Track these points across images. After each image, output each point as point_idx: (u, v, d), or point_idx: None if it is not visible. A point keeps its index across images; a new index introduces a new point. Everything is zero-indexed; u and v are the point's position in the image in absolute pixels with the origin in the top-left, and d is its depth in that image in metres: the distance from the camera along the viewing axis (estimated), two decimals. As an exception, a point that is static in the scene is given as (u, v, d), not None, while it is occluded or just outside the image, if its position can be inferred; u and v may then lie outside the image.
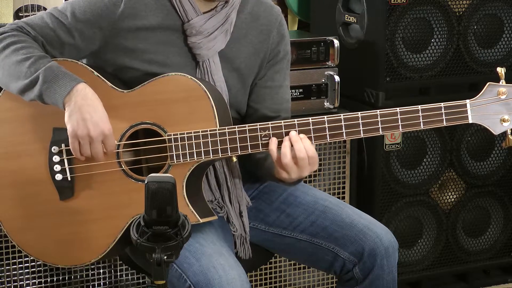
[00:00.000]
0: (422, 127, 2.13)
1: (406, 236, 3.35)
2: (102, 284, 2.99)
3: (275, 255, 2.66)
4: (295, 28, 3.79)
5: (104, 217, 2.20)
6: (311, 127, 2.13)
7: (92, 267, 2.95)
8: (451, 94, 3.13)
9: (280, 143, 2.14)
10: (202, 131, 2.14)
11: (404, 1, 3.14)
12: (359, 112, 2.13)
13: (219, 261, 2.10)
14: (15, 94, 2.15)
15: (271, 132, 2.14)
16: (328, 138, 2.15)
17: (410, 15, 3.17)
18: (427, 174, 3.34)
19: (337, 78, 3.12)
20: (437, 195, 3.39)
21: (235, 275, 2.08)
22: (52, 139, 2.19)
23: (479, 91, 2.13)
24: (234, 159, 2.19)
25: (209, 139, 2.14)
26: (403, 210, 3.33)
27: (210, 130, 2.14)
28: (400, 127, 2.13)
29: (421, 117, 2.13)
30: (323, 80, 3.14)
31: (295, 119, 2.14)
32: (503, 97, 2.11)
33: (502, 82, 2.12)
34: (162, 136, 2.16)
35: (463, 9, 3.24)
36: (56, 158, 2.20)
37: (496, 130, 2.12)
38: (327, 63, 3.14)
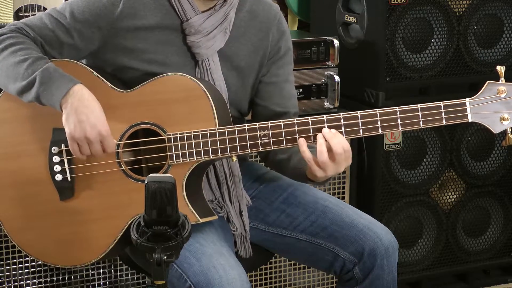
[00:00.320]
0: (421, 126, 2.13)
1: (406, 236, 3.35)
2: (102, 284, 2.99)
3: (275, 255, 2.66)
4: (295, 28, 3.79)
5: (104, 217, 2.20)
6: (310, 126, 2.13)
7: (92, 267, 2.95)
8: (451, 94, 3.12)
9: (286, 144, 2.14)
10: (201, 131, 2.14)
11: (404, 1, 3.14)
12: (358, 111, 2.13)
13: (219, 261, 2.10)
14: (14, 95, 2.15)
15: (270, 131, 2.14)
16: (328, 137, 2.15)
17: (410, 15, 3.17)
18: (427, 174, 3.34)
19: (337, 78, 3.12)
20: (437, 195, 3.39)
21: (235, 275, 2.08)
22: (52, 140, 2.19)
23: (479, 91, 2.13)
24: (234, 158, 2.20)
25: (209, 139, 2.14)
26: (403, 210, 3.33)
27: (209, 130, 2.14)
28: (399, 126, 2.13)
29: (420, 116, 2.12)
30: (323, 80, 3.14)
31: (295, 119, 2.14)
32: (502, 95, 2.11)
33: (502, 80, 2.12)
34: (162, 136, 2.16)
35: (463, 9, 3.24)
36: (56, 159, 2.20)
37: (496, 128, 2.12)
38: (327, 63, 3.14)
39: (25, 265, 2.86)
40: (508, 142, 2.13)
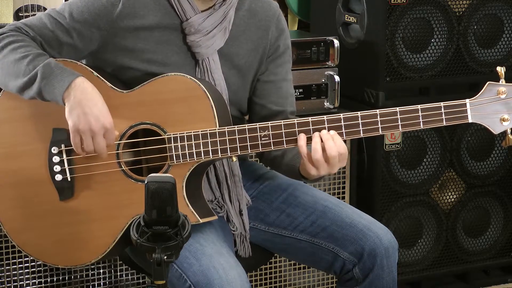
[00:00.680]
0: (421, 126, 2.13)
1: (406, 236, 3.35)
2: (102, 284, 2.99)
3: (275, 255, 2.66)
4: (295, 28, 3.79)
5: (104, 217, 2.20)
6: (311, 127, 2.13)
7: (92, 267, 2.95)
8: (451, 94, 3.13)
9: (286, 144, 2.14)
10: (201, 131, 2.14)
11: (404, 1, 3.14)
12: (358, 112, 2.13)
13: (219, 261, 2.10)
14: (14, 93, 2.15)
15: (271, 132, 2.14)
16: (328, 137, 2.15)
17: (410, 15, 3.17)
18: (427, 174, 3.34)
19: (337, 78, 3.12)
20: (437, 195, 3.39)
21: (235, 275, 2.08)
22: (52, 140, 2.19)
23: (479, 91, 2.13)
24: (234, 158, 2.19)
25: (209, 139, 2.14)
26: (403, 210, 3.33)
27: (209, 130, 2.14)
28: (399, 126, 2.13)
29: (420, 117, 2.12)
30: (323, 80, 3.14)
31: (295, 119, 2.14)
32: (502, 96, 2.10)
33: (502, 81, 2.11)
34: (162, 136, 2.16)
35: (463, 9, 3.24)
36: (56, 159, 2.20)
37: (496, 129, 2.12)
38: (327, 63, 3.14)
39: (25, 265, 2.86)
40: (508, 143, 2.13)
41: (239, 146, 2.15)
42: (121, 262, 2.93)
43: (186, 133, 2.14)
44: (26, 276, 2.87)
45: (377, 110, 2.13)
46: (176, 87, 2.16)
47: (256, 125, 2.15)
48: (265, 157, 2.38)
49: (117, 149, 2.17)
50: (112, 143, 2.13)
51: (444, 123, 2.12)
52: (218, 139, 2.14)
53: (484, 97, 2.12)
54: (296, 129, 2.14)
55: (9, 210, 2.23)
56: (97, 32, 2.20)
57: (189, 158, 2.15)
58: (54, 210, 2.21)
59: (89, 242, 2.21)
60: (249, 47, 2.33)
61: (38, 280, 2.89)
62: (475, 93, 2.13)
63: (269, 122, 2.15)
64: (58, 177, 2.20)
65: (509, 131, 2.13)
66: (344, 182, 3.21)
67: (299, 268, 3.22)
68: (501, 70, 2.12)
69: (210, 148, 2.14)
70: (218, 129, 2.14)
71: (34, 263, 2.87)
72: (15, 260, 2.85)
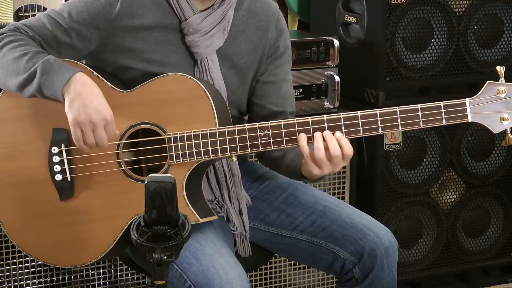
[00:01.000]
0: (421, 126, 2.13)
1: (406, 236, 3.35)
2: (102, 284, 2.99)
3: (275, 255, 2.66)
4: (295, 28, 3.79)
5: (104, 217, 2.20)
6: (310, 126, 2.13)
7: (92, 267, 2.95)
8: (451, 94, 3.13)
9: (286, 144, 2.14)
10: (201, 131, 2.14)
11: (404, 1, 3.14)
12: (358, 112, 2.13)
13: (219, 261, 2.10)
14: (14, 91, 2.15)
15: (270, 132, 2.14)
16: (328, 137, 2.15)
17: (410, 15, 3.17)
18: (427, 174, 3.34)
19: (337, 78, 3.12)
20: (437, 195, 3.39)
21: (235, 275, 2.08)
22: (52, 139, 2.19)
23: (479, 91, 2.13)
24: (234, 158, 2.19)
25: (209, 139, 2.14)
26: (403, 210, 3.33)
27: (209, 130, 2.14)
28: (399, 126, 2.13)
29: (420, 116, 2.12)
30: (323, 80, 3.14)
31: (295, 119, 2.14)
32: (502, 95, 2.10)
33: (502, 80, 2.11)
34: (162, 136, 2.16)
35: (463, 9, 3.24)
36: (56, 159, 2.20)
37: (496, 129, 2.12)
38: (327, 63, 3.14)
39: (25, 265, 2.86)
40: (508, 142, 2.13)
41: (239, 146, 2.15)
42: (121, 262, 2.93)
43: (186, 133, 2.14)
44: (26, 276, 2.88)
45: (377, 110, 2.13)
46: (176, 87, 2.16)
47: (256, 125, 2.15)
48: (265, 158, 2.38)
49: (117, 149, 2.17)
50: (112, 136, 2.12)
51: (444, 123, 2.12)
52: (218, 139, 2.14)
53: (484, 97, 2.12)
54: (296, 128, 2.13)
55: (9, 210, 2.23)
56: (96, 32, 2.20)
57: (189, 158, 2.15)
58: (54, 210, 2.21)
59: (89, 242, 2.21)
60: (248, 47, 2.33)
61: (38, 280, 2.89)
62: (475, 93, 2.13)
63: (269, 122, 2.15)
64: (58, 177, 2.20)
65: (509, 130, 2.13)
66: (344, 182, 3.21)
67: (299, 268, 3.22)
68: (500, 69, 2.11)
69: (210, 148, 2.14)
70: (218, 129, 2.14)
71: (34, 263, 2.87)
72: (15, 260, 2.85)
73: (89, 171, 2.19)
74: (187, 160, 2.15)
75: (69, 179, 2.20)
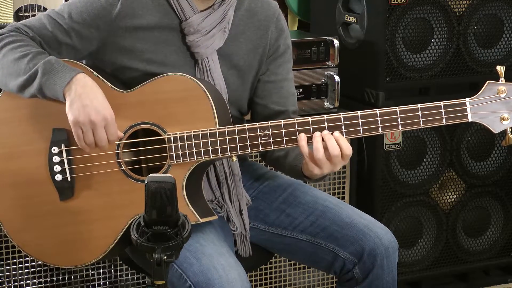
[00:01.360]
0: (421, 126, 2.13)
1: (406, 236, 3.35)
2: (102, 284, 2.99)
3: (275, 255, 2.66)
4: (295, 28, 3.79)
5: (104, 217, 2.20)
6: (310, 126, 2.13)
7: (92, 267, 2.95)
8: (451, 94, 3.12)
9: (286, 144, 2.14)
10: (201, 131, 2.14)
11: (404, 1, 3.14)
12: (358, 111, 2.13)
13: (219, 261, 2.10)
14: (14, 92, 2.15)
15: (270, 131, 2.14)
16: (328, 137, 2.15)
17: (410, 15, 3.17)
18: (427, 174, 3.34)
19: (337, 78, 3.12)
20: (437, 195, 3.39)
21: (235, 275, 2.08)
22: (52, 140, 2.19)
23: (479, 91, 2.13)
24: (234, 158, 2.19)
25: (209, 139, 2.14)
26: (403, 210, 3.33)
27: (209, 130, 2.14)
28: (399, 126, 2.13)
29: (420, 116, 2.12)
30: (323, 80, 3.14)
31: (295, 119, 2.14)
32: (502, 95, 2.10)
33: (502, 80, 2.11)
34: (162, 136, 2.16)
35: (463, 9, 3.24)
36: (56, 159, 2.20)
37: (496, 128, 2.12)
38: (327, 63, 3.14)
39: (25, 265, 2.86)
40: (508, 142, 2.13)
41: (239, 145, 2.15)
42: (121, 262, 2.93)
43: (186, 133, 2.14)
44: (26, 276, 2.88)
45: (377, 110, 2.13)
46: (176, 87, 2.16)
47: (256, 124, 2.15)
48: (268, 157, 2.39)
49: (117, 149, 2.17)
50: (113, 137, 2.12)
51: (444, 122, 2.12)
52: (218, 138, 2.14)
53: (484, 96, 2.12)
54: (296, 128, 2.13)
55: (9, 210, 2.23)
56: (96, 32, 2.20)
57: (189, 158, 2.15)
58: (54, 210, 2.21)
59: (89, 242, 2.21)
60: (249, 47, 2.33)
61: (38, 280, 2.89)
62: (475, 93, 2.13)
63: (269, 122, 2.15)
64: (58, 177, 2.20)
65: (509, 130, 2.13)
66: (344, 182, 3.21)
67: (299, 268, 3.22)
68: (500, 69, 2.11)
69: (210, 148, 2.14)
70: (218, 129, 2.14)
71: (34, 263, 2.87)
72: (15, 260, 2.85)
73: (89, 171, 2.19)
74: (187, 160, 2.15)
75: (69, 179, 2.20)
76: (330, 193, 3.10)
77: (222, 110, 2.19)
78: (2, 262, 2.83)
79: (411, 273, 3.39)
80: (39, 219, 2.22)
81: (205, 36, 2.23)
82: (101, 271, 2.98)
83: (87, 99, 2.07)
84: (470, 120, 2.11)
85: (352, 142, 3.15)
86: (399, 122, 2.12)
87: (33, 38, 2.19)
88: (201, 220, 2.15)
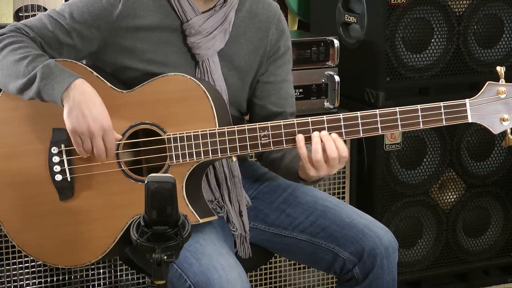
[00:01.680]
0: (421, 126, 2.13)
1: (406, 236, 3.35)
2: (102, 284, 2.99)
3: (275, 255, 2.66)
4: (295, 28, 3.79)
5: (104, 217, 2.20)
6: (310, 127, 2.13)
7: (92, 267, 2.95)
8: (451, 94, 3.12)
9: (286, 144, 2.14)
10: (201, 131, 2.14)
11: (404, 1, 3.14)
12: (358, 112, 2.13)
13: (219, 261, 2.10)
14: (14, 94, 2.15)
15: (270, 132, 2.14)
16: (327, 137, 2.15)
17: (410, 15, 3.17)
18: (427, 174, 3.34)
19: (337, 78, 3.12)
20: (437, 195, 3.39)
21: (235, 275, 2.08)
22: (52, 140, 2.19)
23: (479, 91, 2.13)
24: (234, 159, 2.19)
25: (208, 139, 2.14)
26: (403, 210, 3.33)
27: (209, 130, 2.14)
28: (399, 126, 2.13)
29: (420, 117, 2.12)
30: (323, 80, 3.14)
31: (295, 119, 2.14)
32: (502, 96, 2.10)
33: (502, 81, 2.11)
34: (162, 136, 2.16)
35: (463, 9, 3.24)
36: (55, 159, 2.20)
37: (496, 129, 2.12)
38: (327, 63, 3.14)
39: (25, 265, 2.86)
40: (508, 142, 2.13)
41: (239, 146, 2.15)
42: (121, 262, 2.93)
43: (186, 133, 2.14)
44: (26, 276, 2.88)
45: (377, 110, 2.13)
46: (176, 87, 2.16)
47: (256, 125, 2.15)
48: (264, 159, 2.38)
49: (117, 149, 2.17)
50: (111, 145, 2.12)
51: (444, 123, 2.12)
52: (217, 139, 2.14)
53: (484, 97, 2.12)
54: (296, 129, 2.13)
55: (9, 210, 2.23)
56: (97, 32, 2.20)
57: (188, 158, 2.15)
58: (54, 210, 2.21)
59: (89, 242, 2.21)
60: (249, 48, 2.33)
61: (38, 280, 2.89)
62: (475, 93, 2.13)
63: (269, 122, 2.15)
64: (58, 177, 2.20)
65: (509, 131, 2.13)
66: (344, 182, 3.21)
67: (299, 268, 3.22)
68: (501, 69, 2.11)
69: (209, 148, 2.14)
70: (217, 129, 2.14)
71: (34, 263, 2.87)
72: (15, 260, 2.85)
73: (89, 171, 2.19)
74: (186, 160, 2.15)
75: (69, 179, 2.20)
76: (330, 193, 3.11)
77: (222, 110, 2.19)
78: (2, 262, 2.83)
79: (411, 273, 3.39)
80: (39, 219, 2.22)
81: (206, 38, 2.23)
82: (101, 271, 2.98)
83: (86, 108, 2.07)
84: (470, 121, 2.11)
85: (352, 142, 3.19)
86: (399, 123, 2.12)
87: (33, 38, 2.19)
88: (201, 221, 2.15)
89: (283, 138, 2.14)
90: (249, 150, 2.15)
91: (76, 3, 2.21)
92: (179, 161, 2.15)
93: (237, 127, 2.14)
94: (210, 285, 2.06)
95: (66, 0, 2.29)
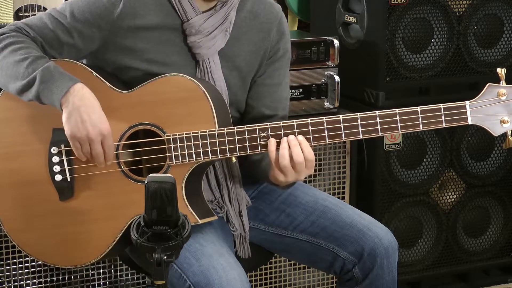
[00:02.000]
0: (421, 128, 2.13)
1: (406, 236, 3.35)
2: (102, 284, 2.99)
3: (275, 255, 2.66)
4: (295, 28, 3.79)
5: (104, 217, 2.20)
6: (309, 128, 2.13)
7: (92, 267, 2.95)
8: (451, 94, 3.13)
9: (278, 144, 2.14)
10: (201, 132, 2.14)
11: (404, 1, 3.14)
12: (358, 114, 2.13)
13: (219, 261, 2.10)
14: (14, 94, 2.15)
15: (269, 133, 2.14)
16: (327, 139, 2.15)
17: (410, 15, 3.17)
18: (427, 174, 3.34)
19: (337, 78, 3.12)
20: (437, 195, 3.39)
21: (235, 275, 2.08)
22: (52, 140, 2.19)
23: (479, 91, 2.13)
24: (234, 159, 2.19)
25: (208, 140, 2.14)
26: (403, 210, 3.33)
27: (209, 131, 2.14)
28: (399, 128, 2.13)
29: (420, 119, 2.12)
30: (323, 80, 3.14)
31: (294, 120, 2.14)
32: (503, 98, 2.10)
33: (502, 83, 2.11)
34: (161, 137, 2.16)
35: (463, 9, 3.24)
36: (55, 159, 2.20)
37: (496, 131, 2.12)
38: (327, 63, 3.14)
39: (25, 265, 2.86)
40: (508, 145, 2.13)
41: (238, 147, 2.15)
42: (121, 262, 2.93)
43: (186, 134, 2.14)
44: (26, 276, 2.88)
45: (377, 112, 2.13)
46: (176, 88, 2.16)
47: (255, 126, 2.14)
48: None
49: (117, 150, 2.17)
50: (110, 150, 2.13)
51: (444, 125, 2.12)
52: (217, 140, 2.14)
53: (484, 99, 2.11)
54: (295, 130, 2.13)
55: (9, 210, 2.24)
56: (97, 32, 2.20)
57: (188, 159, 2.15)
58: (54, 210, 2.21)
59: (89, 242, 2.21)
60: (250, 49, 2.33)
61: (38, 280, 2.89)
62: (475, 93, 2.13)
63: (268, 124, 2.15)
64: (58, 177, 2.20)
65: (509, 133, 2.13)
66: (344, 182, 3.21)
67: (299, 268, 3.22)
68: (501, 71, 2.11)
69: (209, 149, 2.14)
70: (217, 130, 2.14)
71: (34, 263, 2.87)
72: (15, 260, 2.85)
73: (88, 172, 2.19)
74: (186, 161, 2.15)
75: (68, 179, 2.20)
76: (330, 193, 3.11)
77: (222, 111, 2.19)
78: (2, 262, 2.83)
79: (411, 273, 3.39)
80: (39, 219, 2.22)
81: (207, 37, 2.23)
82: (101, 271, 2.98)
83: (85, 113, 2.07)
84: (470, 123, 2.11)
85: (352, 142, 3.18)
86: (399, 125, 2.12)
87: (34, 38, 2.19)
88: (200, 221, 2.15)
89: (282, 140, 2.14)
90: (248, 151, 2.15)
91: (76, 2, 2.21)
92: (179, 162, 2.15)
93: (236, 128, 2.14)
94: (209, 285, 2.06)
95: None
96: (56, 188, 2.21)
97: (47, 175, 2.21)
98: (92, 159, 2.14)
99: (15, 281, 2.86)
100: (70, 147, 2.16)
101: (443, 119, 2.12)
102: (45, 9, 3.02)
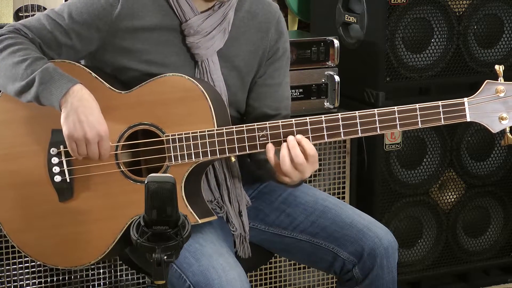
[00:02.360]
0: (420, 126, 2.13)
1: (406, 236, 3.35)
2: (102, 284, 2.99)
3: (275, 255, 2.66)
4: (295, 28, 3.79)
5: (103, 218, 2.20)
6: (308, 127, 2.13)
7: (92, 267, 2.95)
8: (451, 94, 3.11)
9: (275, 146, 2.14)
10: (200, 132, 2.14)
11: (404, 1, 3.14)
12: (356, 111, 2.13)
13: (218, 261, 2.10)
14: (12, 96, 2.15)
15: (268, 132, 2.14)
16: (326, 137, 2.15)
17: (410, 15, 3.17)
18: (427, 174, 3.34)
19: (337, 78, 3.12)
20: (437, 195, 3.39)
21: (234, 275, 2.08)
22: (51, 141, 2.19)
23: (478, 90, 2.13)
24: (233, 159, 2.19)
25: (207, 140, 2.14)
26: (403, 210, 3.33)
27: (208, 131, 2.14)
28: (398, 126, 2.13)
29: (419, 116, 2.12)
30: (323, 80, 3.14)
31: (293, 119, 2.14)
32: (501, 95, 2.10)
33: (501, 80, 2.11)
34: (160, 137, 2.16)
35: (463, 9, 3.24)
36: (54, 160, 2.20)
37: (495, 128, 2.12)
38: (327, 63, 3.14)
39: (25, 265, 2.86)
40: (507, 141, 2.13)
41: (237, 146, 2.15)
42: (121, 262, 2.93)
43: (185, 133, 2.14)
44: (26, 276, 2.88)
45: (375, 110, 2.13)
46: (174, 88, 2.16)
47: (254, 125, 2.14)
48: (252, 158, 2.37)
49: (116, 150, 2.17)
50: (106, 152, 2.13)
51: (442, 122, 2.12)
52: (216, 139, 2.14)
53: (482, 96, 2.11)
54: (294, 129, 2.13)
55: (8, 211, 2.24)
56: (96, 33, 2.20)
57: (187, 158, 2.15)
58: (53, 211, 2.21)
59: (89, 242, 2.21)
60: (249, 49, 2.33)
61: (38, 280, 2.89)
62: (475, 93, 2.13)
63: (267, 122, 2.15)
64: (57, 178, 2.20)
65: (508, 129, 2.13)
66: (344, 182, 3.21)
67: (299, 268, 3.22)
68: (499, 68, 2.11)
69: (208, 149, 2.14)
70: (216, 130, 2.14)
71: (34, 263, 2.87)
72: (15, 260, 2.85)
73: (88, 172, 2.19)
74: (185, 161, 2.15)
75: (68, 180, 2.20)
76: (330, 193, 3.11)
77: (220, 110, 2.19)
78: (2, 262, 2.83)
79: (411, 273, 3.39)
80: (38, 220, 2.22)
81: (205, 38, 2.23)
82: (101, 271, 2.98)
83: (82, 114, 2.07)
84: (468, 119, 2.11)
85: (352, 142, 3.19)
86: (397, 122, 2.12)
87: (32, 39, 2.19)
88: (200, 221, 2.15)
89: (282, 139, 2.14)
90: (247, 151, 2.15)
91: (75, 4, 2.21)
92: (178, 162, 2.15)
93: (235, 127, 2.14)
94: (209, 285, 2.06)
95: (65, 0, 2.29)
96: (55, 189, 2.21)
97: (47, 176, 2.21)
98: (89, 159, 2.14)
99: (15, 281, 2.86)
100: (70, 147, 2.17)
101: (441, 116, 2.12)
102: (45, 9, 3.02)
